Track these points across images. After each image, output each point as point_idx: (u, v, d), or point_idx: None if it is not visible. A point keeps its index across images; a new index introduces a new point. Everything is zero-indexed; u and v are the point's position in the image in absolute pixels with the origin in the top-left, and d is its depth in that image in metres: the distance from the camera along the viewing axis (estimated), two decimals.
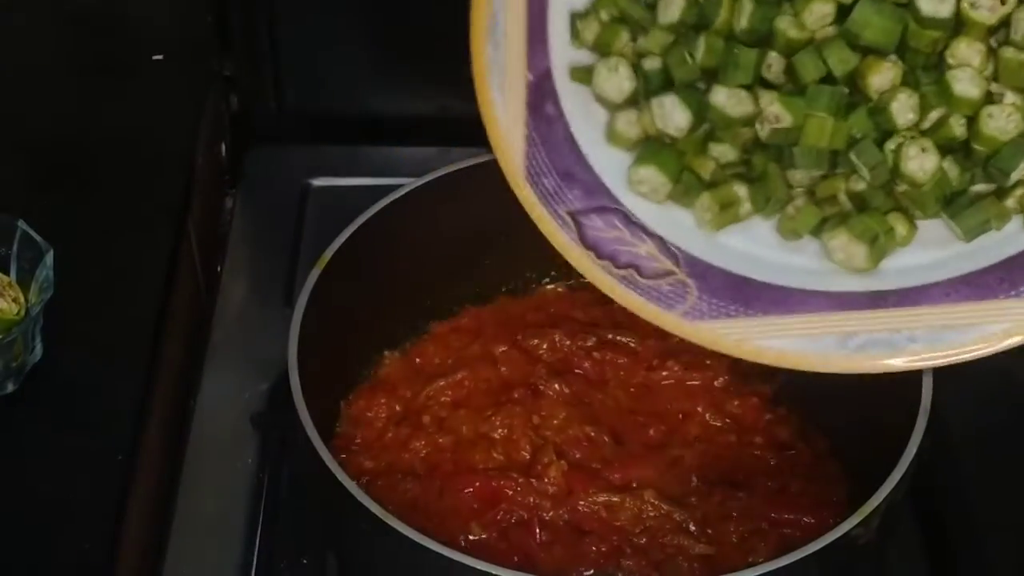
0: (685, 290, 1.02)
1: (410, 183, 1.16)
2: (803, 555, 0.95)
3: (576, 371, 1.18)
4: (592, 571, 1.05)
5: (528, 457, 1.11)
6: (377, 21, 1.40)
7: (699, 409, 1.15)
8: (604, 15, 1.00)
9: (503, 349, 1.19)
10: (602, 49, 1.01)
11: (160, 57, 1.39)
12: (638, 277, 1.03)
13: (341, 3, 1.39)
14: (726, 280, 1.02)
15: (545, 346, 1.19)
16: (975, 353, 0.98)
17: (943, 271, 1.01)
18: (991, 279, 0.98)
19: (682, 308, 1.02)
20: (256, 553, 1.14)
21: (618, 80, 1.01)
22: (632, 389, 1.16)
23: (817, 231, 1.01)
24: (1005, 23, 0.95)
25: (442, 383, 1.16)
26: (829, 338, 1.01)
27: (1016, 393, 1.01)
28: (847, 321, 1.00)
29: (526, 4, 1.00)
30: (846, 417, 1.06)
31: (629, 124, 1.01)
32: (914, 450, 1.01)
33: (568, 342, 1.18)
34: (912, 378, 1.02)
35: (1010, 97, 0.96)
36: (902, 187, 0.98)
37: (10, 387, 1.11)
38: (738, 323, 1.02)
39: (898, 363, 0.99)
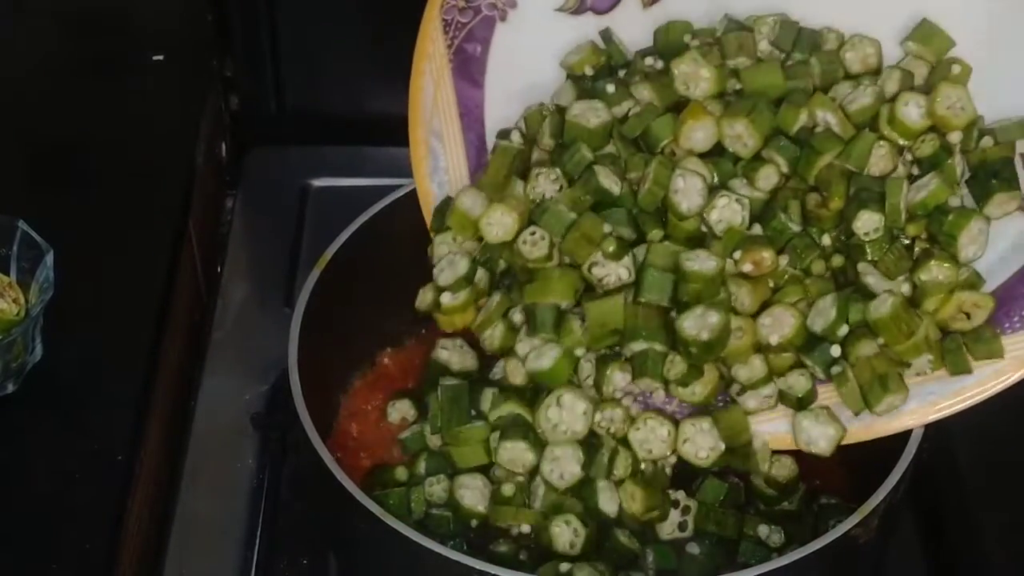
0: None
1: (410, 183, 1.16)
2: (803, 555, 0.95)
3: None
4: None
5: None
6: (377, 21, 1.40)
7: None
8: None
9: None
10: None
11: (160, 57, 1.39)
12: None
13: (341, 4, 1.39)
14: None
15: None
16: (992, 390, 0.98)
17: None
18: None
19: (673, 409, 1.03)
20: (256, 553, 1.14)
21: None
22: None
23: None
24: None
25: None
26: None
27: (1016, 394, 1.01)
28: None
29: (463, 145, 1.08)
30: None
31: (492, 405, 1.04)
32: (914, 450, 1.01)
33: None
34: None
35: None
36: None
37: (10, 387, 1.11)
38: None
39: (915, 420, 0.99)
